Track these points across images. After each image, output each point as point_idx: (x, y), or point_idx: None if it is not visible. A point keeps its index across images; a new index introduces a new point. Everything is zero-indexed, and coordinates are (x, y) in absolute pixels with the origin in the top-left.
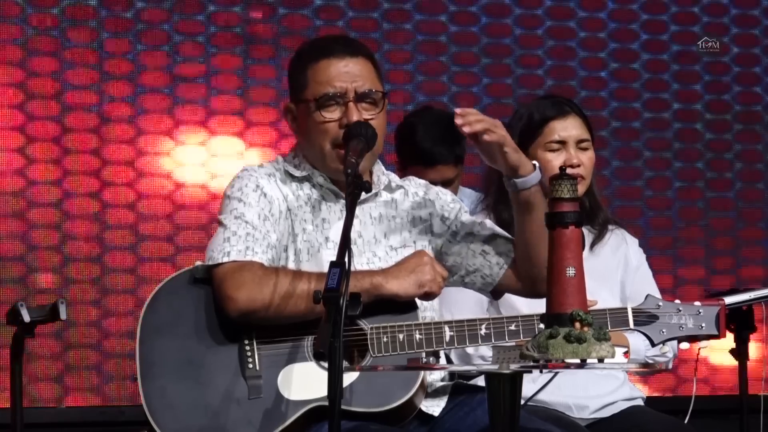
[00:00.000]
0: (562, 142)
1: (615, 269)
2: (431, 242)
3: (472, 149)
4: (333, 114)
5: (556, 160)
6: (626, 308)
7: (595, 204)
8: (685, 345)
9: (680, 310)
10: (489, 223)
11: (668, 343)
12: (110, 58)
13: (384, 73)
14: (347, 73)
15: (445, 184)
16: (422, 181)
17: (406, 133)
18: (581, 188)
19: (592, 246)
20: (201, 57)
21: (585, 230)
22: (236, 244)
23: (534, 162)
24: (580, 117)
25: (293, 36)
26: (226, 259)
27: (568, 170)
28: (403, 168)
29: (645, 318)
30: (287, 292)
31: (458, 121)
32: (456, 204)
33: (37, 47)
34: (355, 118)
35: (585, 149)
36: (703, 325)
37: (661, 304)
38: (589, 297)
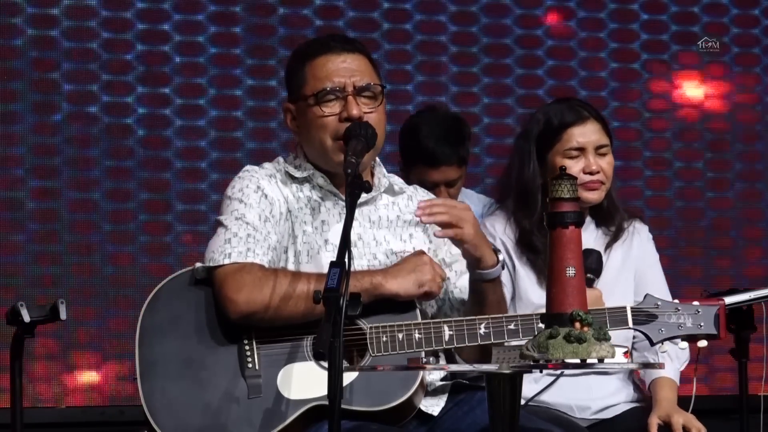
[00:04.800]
0: (581, 149)
1: (628, 270)
2: (429, 249)
3: (473, 149)
4: (333, 108)
5: (575, 167)
6: (625, 307)
7: (612, 206)
8: (683, 344)
9: (678, 310)
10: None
11: (684, 354)
12: (110, 58)
13: (384, 73)
14: (345, 68)
15: (449, 185)
16: (429, 193)
17: (409, 132)
18: (601, 193)
19: (606, 247)
20: (201, 57)
21: (600, 231)
22: (237, 246)
23: (499, 256)
24: (598, 121)
25: (293, 36)
26: (226, 261)
27: (588, 177)
28: (407, 168)
29: (643, 317)
30: (287, 293)
31: (417, 212)
32: None
33: (37, 47)
34: (354, 111)
35: (604, 155)
36: (702, 324)
37: (659, 303)
38: (604, 296)
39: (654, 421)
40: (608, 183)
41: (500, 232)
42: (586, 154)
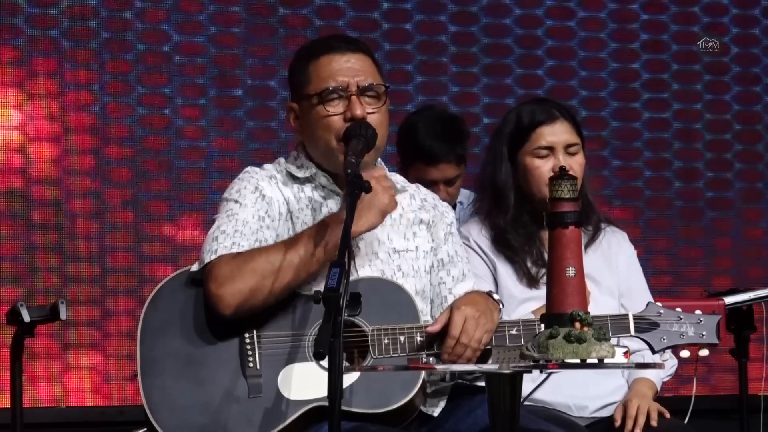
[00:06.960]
0: (550, 148)
1: (609, 269)
2: (431, 248)
3: (474, 149)
4: (336, 108)
5: (544, 166)
6: (627, 315)
7: (588, 205)
8: (685, 353)
9: (681, 318)
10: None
11: (672, 369)
12: (110, 58)
13: (384, 73)
14: (349, 68)
15: (447, 183)
16: (433, 193)
17: (407, 131)
18: None
19: (585, 247)
20: (201, 57)
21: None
22: (223, 242)
23: (495, 297)
24: (568, 121)
25: (293, 36)
26: (213, 257)
27: None
28: (405, 167)
29: (646, 325)
30: (267, 270)
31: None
32: (453, 230)
33: (37, 47)
34: (358, 111)
35: (574, 154)
36: (704, 333)
37: (662, 311)
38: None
39: (618, 411)
40: (578, 183)
41: (475, 235)
42: (556, 153)
